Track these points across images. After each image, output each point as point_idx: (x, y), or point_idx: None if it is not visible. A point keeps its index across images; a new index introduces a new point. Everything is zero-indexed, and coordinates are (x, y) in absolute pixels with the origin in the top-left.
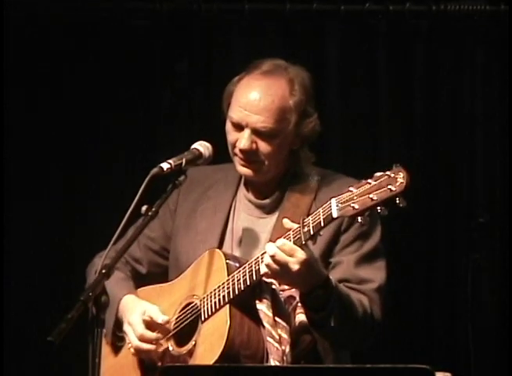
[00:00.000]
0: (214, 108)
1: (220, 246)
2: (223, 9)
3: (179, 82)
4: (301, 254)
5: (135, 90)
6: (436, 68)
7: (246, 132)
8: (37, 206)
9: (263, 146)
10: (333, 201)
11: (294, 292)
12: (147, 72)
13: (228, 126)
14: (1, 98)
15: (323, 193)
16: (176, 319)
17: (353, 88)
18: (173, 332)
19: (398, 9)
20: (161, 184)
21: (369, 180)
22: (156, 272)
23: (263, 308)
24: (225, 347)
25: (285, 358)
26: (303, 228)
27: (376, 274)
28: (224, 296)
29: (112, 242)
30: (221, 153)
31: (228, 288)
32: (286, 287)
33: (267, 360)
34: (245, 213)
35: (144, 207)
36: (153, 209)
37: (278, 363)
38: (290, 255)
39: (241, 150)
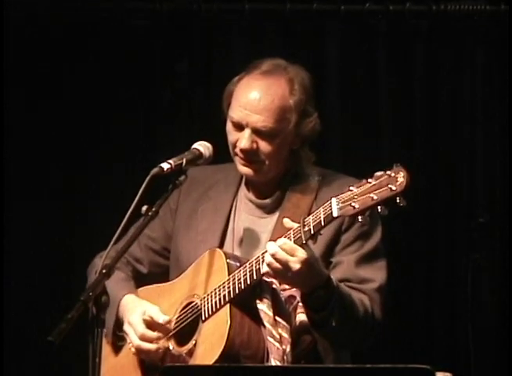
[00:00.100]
0: (214, 108)
1: (221, 246)
2: (223, 9)
3: (179, 82)
4: (301, 254)
5: (135, 90)
6: (436, 68)
7: (247, 132)
8: (37, 206)
9: (263, 146)
10: (334, 201)
11: (295, 292)
12: (147, 72)
13: (229, 126)
14: (1, 98)
15: (324, 193)
16: (177, 318)
17: (353, 88)
18: (173, 332)
19: (398, 9)
20: (161, 184)
21: (370, 180)
22: (156, 272)
23: (263, 307)
24: (225, 347)
25: (285, 357)
26: (303, 227)
27: (376, 274)
28: (224, 295)
29: (112, 242)
30: (222, 153)
31: (228, 288)
32: (286, 286)
33: (267, 360)
34: (246, 213)
35: (144, 207)
36: (154, 209)
37: (278, 363)
38: (291, 254)
39: (242, 150)
